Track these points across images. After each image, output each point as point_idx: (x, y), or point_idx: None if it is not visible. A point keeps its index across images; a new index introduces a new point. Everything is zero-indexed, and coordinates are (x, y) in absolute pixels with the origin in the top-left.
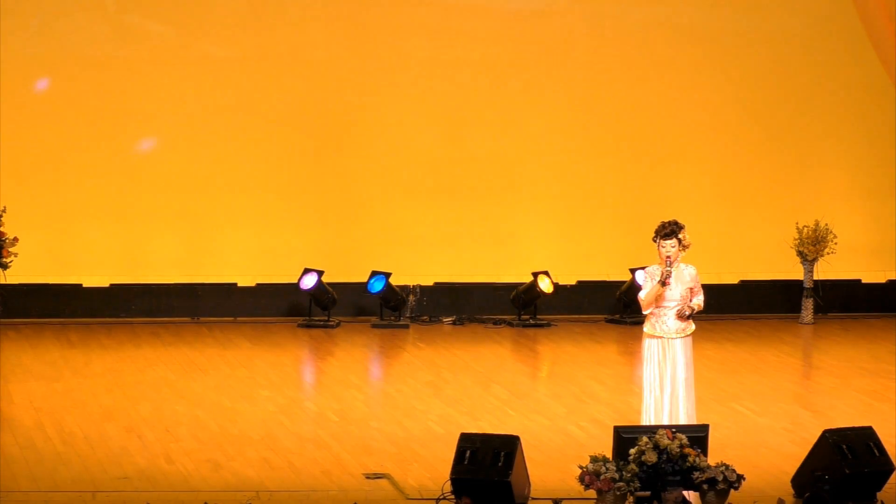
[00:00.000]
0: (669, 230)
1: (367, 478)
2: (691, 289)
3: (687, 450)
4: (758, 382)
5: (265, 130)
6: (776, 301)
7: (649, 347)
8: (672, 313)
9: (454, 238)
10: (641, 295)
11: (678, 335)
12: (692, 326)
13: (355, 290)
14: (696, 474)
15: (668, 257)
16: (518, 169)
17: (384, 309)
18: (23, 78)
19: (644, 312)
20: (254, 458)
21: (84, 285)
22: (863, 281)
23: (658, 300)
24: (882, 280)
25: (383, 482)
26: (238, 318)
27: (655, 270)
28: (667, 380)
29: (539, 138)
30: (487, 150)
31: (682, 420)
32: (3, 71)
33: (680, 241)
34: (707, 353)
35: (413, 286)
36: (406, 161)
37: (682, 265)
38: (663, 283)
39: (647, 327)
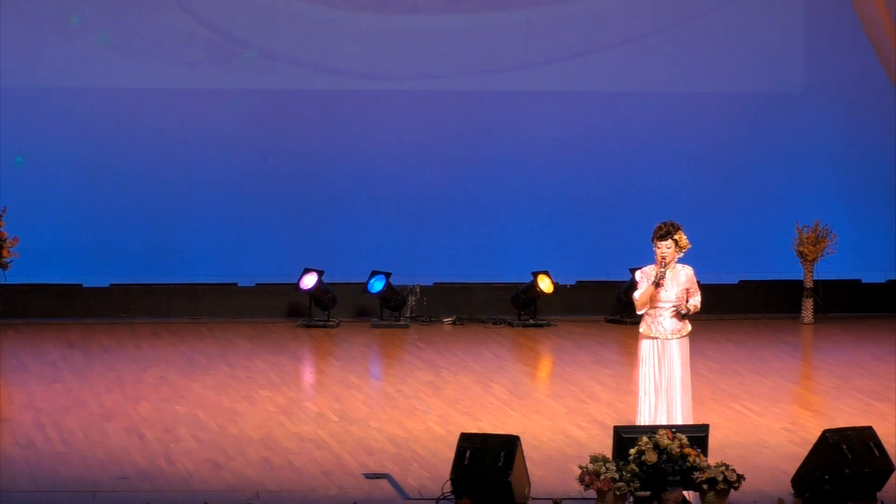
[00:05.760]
0: (665, 231)
1: (367, 478)
2: (687, 289)
3: (687, 450)
4: (758, 382)
5: (265, 130)
6: (776, 301)
7: (645, 348)
8: (668, 314)
9: (454, 238)
10: (636, 295)
11: (674, 336)
12: (688, 327)
13: (355, 290)
14: (696, 474)
15: (664, 258)
16: (518, 169)
17: (384, 309)
18: (23, 77)
19: (638, 313)
20: (254, 458)
21: (84, 285)
22: (863, 281)
23: (653, 301)
24: (882, 280)
25: (383, 482)
26: (238, 318)
27: (651, 270)
28: (663, 380)
29: (539, 137)
30: (487, 150)
31: (679, 421)
32: (4, 71)
33: (676, 242)
34: (707, 353)
35: (413, 286)
36: (406, 161)
37: (679, 266)
38: (657, 285)
39: (642, 328)
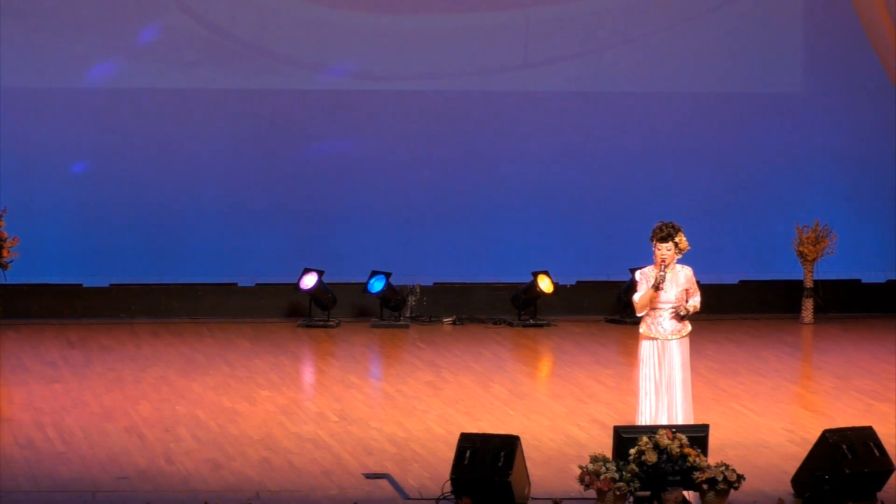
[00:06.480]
0: (666, 233)
1: (367, 478)
2: (687, 290)
3: (687, 450)
4: (758, 382)
5: (265, 130)
6: (776, 301)
7: (645, 349)
8: (668, 315)
9: (454, 238)
10: (635, 298)
11: (674, 336)
12: (688, 327)
13: (355, 290)
14: (696, 474)
15: (663, 260)
16: (518, 169)
17: (384, 309)
18: (23, 77)
19: (638, 315)
20: (254, 458)
21: (84, 285)
22: (863, 281)
23: (652, 302)
24: (882, 280)
25: (383, 482)
26: (238, 318)
27: (650, 272)
28: (663, 381)
29: (539, 137)
30: (487, 150)
31: (679, 421)
32: (4, 71)
33: (676, 244)
34: (707, 353)
35: (413, 286)
36: (406, 161)
37: (678, 266)
38: (656, 288)
39: (643, 328)
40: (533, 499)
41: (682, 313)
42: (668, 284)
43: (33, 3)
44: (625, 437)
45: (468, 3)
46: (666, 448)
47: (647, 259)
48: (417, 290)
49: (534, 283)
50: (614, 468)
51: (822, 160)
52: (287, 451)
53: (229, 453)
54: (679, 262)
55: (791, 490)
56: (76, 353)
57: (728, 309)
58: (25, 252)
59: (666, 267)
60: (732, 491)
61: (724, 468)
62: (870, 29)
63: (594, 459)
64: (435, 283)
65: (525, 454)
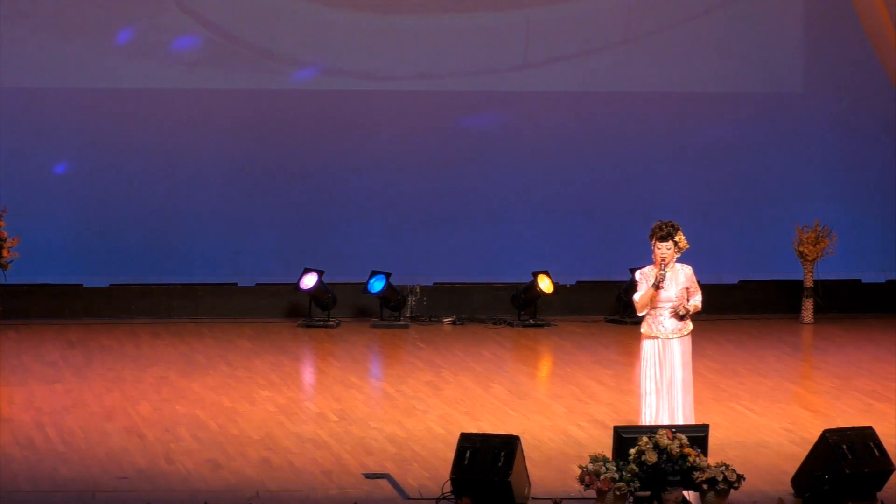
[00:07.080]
0: (665, 233)
1: (367, 478)
2: (687, 289)
3: (687, 450)
4: (758, 382)
5: (265, 130)
6: (776, 301)
7: (647, 348)
8: (668, 314)
9: (454, 238)
10: (636, 297)
11: (675, 335)
12: (689, 326)
13: (355, 290)
14: (696, 474)
15: (663, 260)
16: (518, 168)
17: (384, 309)
18: (23, 77)
19: (638, 314)
20: (254, 458)
21: (84, 285)
22: (863, 281)
23: (653, 301)
24: (882, 280)
25: (383, 482)
26: (238, 318)
27: (650, 272)
28: (665, 380)
29: (539, 137)
30: (487, 149)
31: (681, 420)
32: (4, 71)
33: (675, 243)
34: (707, 353)
35: (413, 286)
36: (406, 161)
37: (678, 265)
38: (657, 287)
39: (644, 328)
40: (533, 499)
41: (681, 313)
42: (669, 283)
43: (33, 3)
44: (625, 437)
45: (468, 3)
46: (666, 448)
47: (647, 259)
48: (417, 290)
49: (534, 283)
50: (614, 468)
51: (822, 160)
52: (287, 451)
53: (229, 453)
54: (678, 260)
55: (791, 490)
56: (76, 353)
57: (728, 309)
58: (25, 252)
59: (665, 266)
60: (732, 491)
61: (724, 468)
62: (870, 29)
63: (594, 459)
64: (435, 283)
65: (525, 454)
